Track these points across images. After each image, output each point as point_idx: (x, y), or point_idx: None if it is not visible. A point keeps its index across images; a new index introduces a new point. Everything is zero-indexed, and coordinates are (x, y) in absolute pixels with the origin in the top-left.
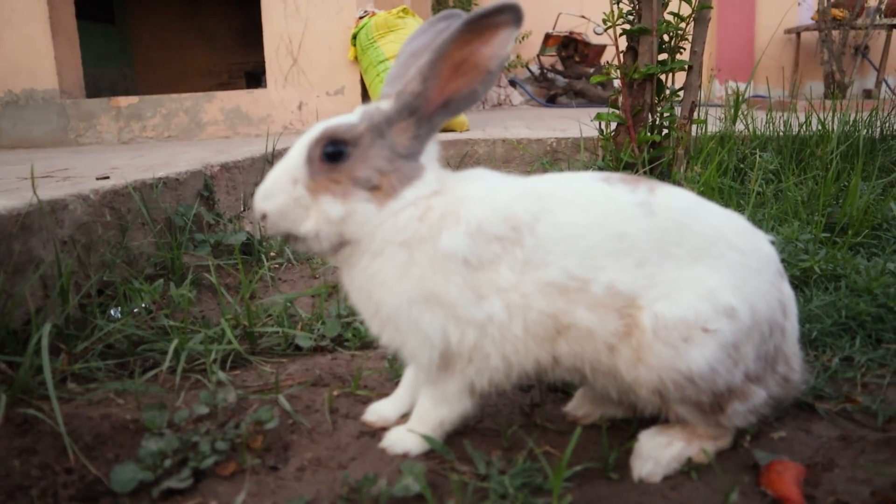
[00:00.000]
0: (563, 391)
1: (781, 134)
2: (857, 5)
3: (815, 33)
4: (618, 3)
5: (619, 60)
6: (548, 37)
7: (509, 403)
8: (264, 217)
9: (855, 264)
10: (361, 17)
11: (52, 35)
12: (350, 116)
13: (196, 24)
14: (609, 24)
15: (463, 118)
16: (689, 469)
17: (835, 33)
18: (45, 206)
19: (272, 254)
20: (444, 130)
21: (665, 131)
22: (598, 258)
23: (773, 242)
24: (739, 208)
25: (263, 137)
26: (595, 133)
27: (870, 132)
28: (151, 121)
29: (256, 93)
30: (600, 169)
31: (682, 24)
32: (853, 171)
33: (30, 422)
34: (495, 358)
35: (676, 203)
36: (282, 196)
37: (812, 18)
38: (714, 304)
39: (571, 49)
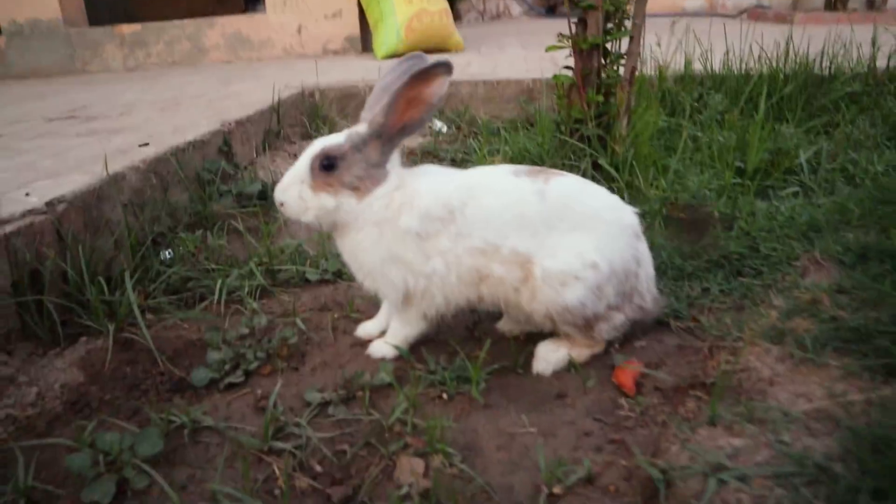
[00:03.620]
0: (499, 314)
1: (737, 74)
2: None
3: None
4: None
5: (571, 31)
6: None
7: (459, 323)
8: (282, 204)
9: (750, 209)
10: None
11: None
12: (339, 137)
13: None
14: None
15: (458, 38)
16: (570, 367)
17: None
18: (111, 178)
19: None
20: (442, 50)
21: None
22: (505, 230)
23: (637, 213)
24: (684, 152)
25: (265, 62)
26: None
27: (823, 69)
28: (155, 48)
29: (256, 17)
30: (556, 123)
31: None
32: (792, 113)
33: (129, 342)
34: (438, 297)
35: (563, 190)
36: (294, 189)
37: None
38: (582, 260)
39: None
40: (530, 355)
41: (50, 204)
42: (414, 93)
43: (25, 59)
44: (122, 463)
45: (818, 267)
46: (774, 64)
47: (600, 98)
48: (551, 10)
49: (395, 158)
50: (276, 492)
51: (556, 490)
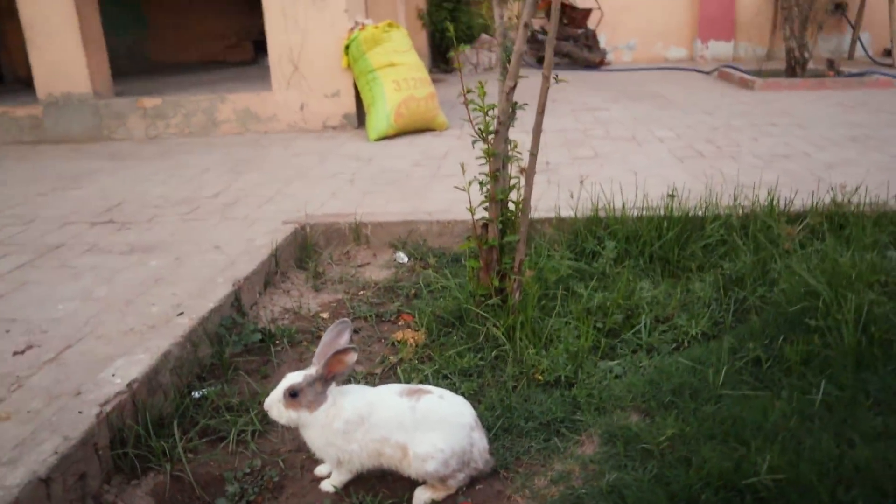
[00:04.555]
0: None
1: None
2: None
3: None
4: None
5: (476, 233)
6: (537, 0)
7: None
8: (269, 411)
9: (592, 369)
10: (352, 29)
11: (84, 45)
12: (299, 376)
13: None
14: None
15: (442, 119)
16: (433, 502)
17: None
18: (162, 357)
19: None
20: (428, 130)
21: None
22: (392, 431)
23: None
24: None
25: (272, 134)
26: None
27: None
28: (174, 120)
29: (263, 94)
30: (469, 293)
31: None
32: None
33: (178, 477)
34: (356, 464)
35: (426, 405)
36: (274, 406)
37: None
38: (435, 447)
39: (559, 12)
40: (410, 496)
41: (129, 385)
42: (335, 360)
43: (59, 127)
44: None
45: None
46: (663, 210)
47: (496, 282)
48: (540, 62)
49: (332, 387)
50: None
51: None
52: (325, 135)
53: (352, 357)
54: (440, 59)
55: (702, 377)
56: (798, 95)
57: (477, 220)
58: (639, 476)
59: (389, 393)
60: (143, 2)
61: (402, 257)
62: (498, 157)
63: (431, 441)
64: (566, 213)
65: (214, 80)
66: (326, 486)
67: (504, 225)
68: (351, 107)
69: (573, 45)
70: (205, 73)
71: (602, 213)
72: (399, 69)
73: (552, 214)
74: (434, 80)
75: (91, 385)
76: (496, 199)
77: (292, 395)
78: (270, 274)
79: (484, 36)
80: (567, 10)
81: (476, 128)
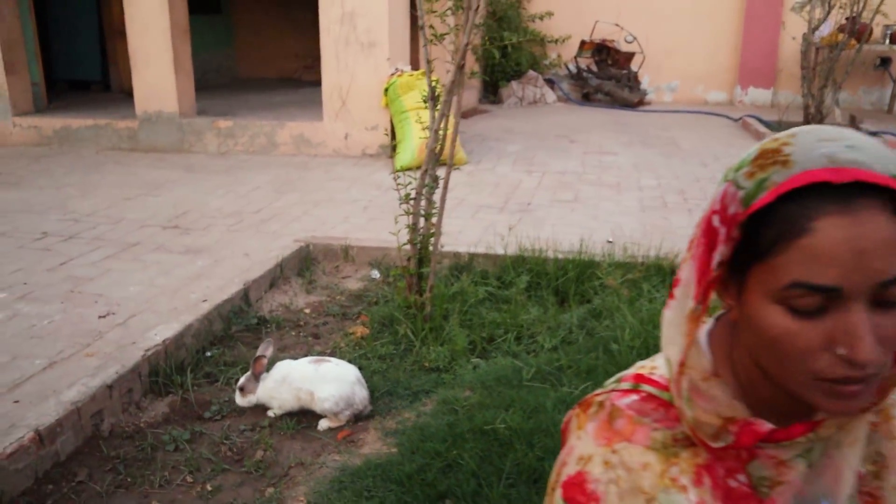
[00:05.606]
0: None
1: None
2: (865, 31)
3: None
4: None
5: (403, 264)
6: (583, 42)
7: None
8: (237, 402)
9: (461, 365)
10: (392, 74)
11: (175, 73)
12: (243, 379)
13: (288, 14)
14: None
15: (462, 155)
16: (329, 430)
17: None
18: (186, 328)
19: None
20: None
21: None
22: (303, 383)
23: (359, 368)
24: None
25: (319, 157)
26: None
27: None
28: (241, 139)
29: (315, 123)
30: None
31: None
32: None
33: (186, 399)
34: (285, 405)
35: (325, 367)
36: (237, 394)
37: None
38: (329, 393)
39: (604, 54)
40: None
41: (164, 341)
42: (257, 363)
43: (150, 139)
44: None
45: None
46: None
47: (414, 298)
48: (586, 98)
49: (263, 375)
50: None
51: None
52: (362, 161)
53: (263, 362)
54: (490, 92)
55: (518, 373)
56: None
57: (404, 254)
58: (443, 421)
59: (303, 362)
60: (233, 22)
61: (375, 273)
62: (417, 214)
63: (328, 390)
64: (500, 251)
65: (283, 103)
66: (270, 413)
67: (421, 260)
68: (386, 138)
69: (614, 85)
70: (279, 91)
71: (527, 254)
72: (427, 111)
73: (490, 251)
74: (480, 112)
75: (141, 340)
76: (414, 244)
77: (241, 389)
78: (276, 278)
79: (531, 72)
80: (612, 51)
81: (400, 194)
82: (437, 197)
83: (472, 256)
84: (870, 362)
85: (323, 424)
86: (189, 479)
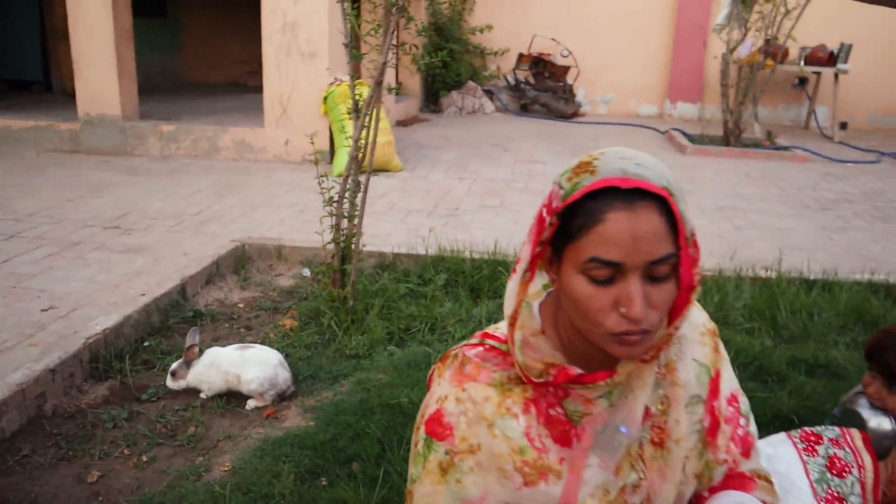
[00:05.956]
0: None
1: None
2: (779, 52)
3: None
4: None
5: (327, 261)
6: (521, 55)
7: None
8: (169, 386)
9: (379, 353)
10: (331, 84)
11: (118, 76)
12: (175, 364)
13: (234, 19)
14: None
15: (397, 162)
16: (256, 408)
17: (734, 77)
18: (126, 319)
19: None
20: (385, 170)
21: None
22: (230, 367)
23: (286, 356)
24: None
25: (260, 162)
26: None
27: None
28: (184, 143)
29: (257, 129)
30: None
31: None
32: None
33: (126, 385)
34: (214, 387)
35: (250, 352)
36: (169, 378)
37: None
38: (254, 375)
39: (541, 67)
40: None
41: (104, 331)
42: (189, 352)
43: (92, 141)
44: None
45: None
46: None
47: (337, 292)
48: (524, 109)
49: (193, 361)
50: None
51: None
52: (302, 167)
53: (195, 350)
54: (431, 101)
55: (428, 358)
56: (719, 163)
57: (328, 252)
58: (356, 398)
59: (230, 348)
60: (179, 27)
61: (306, 271)
62: (340, 215)
63: (252, 372)
64: (421, 251)
65: (227, 108)
66: (202, 395)
67: (343, 258)
68: (326, 144)
69: (550, 97)
70: (224, 97)
71: (446, 254)
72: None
73: (412, 251)
74: (420, 120)
75: (83, 330)
76: (337, 242)
77: (172, 374)
78: (212, 275)
79: (471, 83)
80: (548, 65)
81: (324, 197)
82: (359, 200)
83: (396, 256)
84: (641, 318)
85: (250, 404)
86: (126, 451)
